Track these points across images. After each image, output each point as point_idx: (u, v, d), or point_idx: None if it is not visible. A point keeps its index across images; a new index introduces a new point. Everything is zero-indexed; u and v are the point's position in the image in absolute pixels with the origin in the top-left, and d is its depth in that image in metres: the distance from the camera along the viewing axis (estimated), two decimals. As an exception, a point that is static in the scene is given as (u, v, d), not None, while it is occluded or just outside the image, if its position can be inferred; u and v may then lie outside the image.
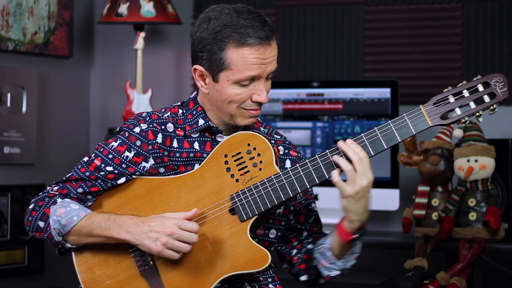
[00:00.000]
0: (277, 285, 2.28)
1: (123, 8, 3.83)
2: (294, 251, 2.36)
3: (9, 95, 3.64)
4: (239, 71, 2.14)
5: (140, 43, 3.86)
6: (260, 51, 2.14)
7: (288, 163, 2.32)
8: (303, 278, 2.34)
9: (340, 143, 2.13)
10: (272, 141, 2.31)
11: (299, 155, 2.36)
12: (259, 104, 2.19)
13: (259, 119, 2.35)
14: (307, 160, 2.16)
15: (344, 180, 2.13)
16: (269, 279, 2.28)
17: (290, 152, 2.35)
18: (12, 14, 3.65)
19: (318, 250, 2.28)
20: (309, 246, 2.34)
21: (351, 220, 2.16)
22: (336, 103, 3.63)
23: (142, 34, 3.87)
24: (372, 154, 2.14)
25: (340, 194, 2.14)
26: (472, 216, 3.20)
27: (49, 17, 3.86)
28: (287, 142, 2.37)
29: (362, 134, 2.15)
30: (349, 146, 2.12)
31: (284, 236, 2.36)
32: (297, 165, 2.16)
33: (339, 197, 2.14)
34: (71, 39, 4.00)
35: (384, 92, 3.56)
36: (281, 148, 2.34)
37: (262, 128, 2.34)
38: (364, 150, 2.13)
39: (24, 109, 3.72)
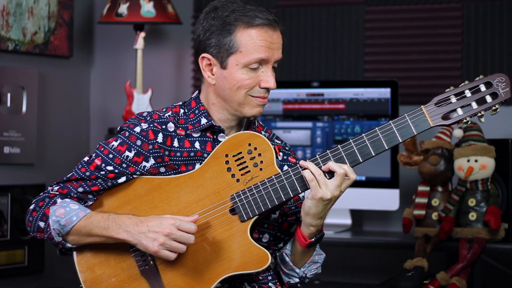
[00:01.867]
0: (277, 283, 2.28)
1: (123, 8, 3.83)
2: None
3: (9, 95, 3.64)
4: (248, 53, 2.16)
5: (140, 43, 3.86)
6: (269, 33, 2.17)
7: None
8: None
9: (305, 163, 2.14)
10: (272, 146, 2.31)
11: (297, 161, 2.36)
12: (267, 90, 2.21)
13: (261, 123, 2.36)
14: (308, 160, 2.16)
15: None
16: (269, 277, 2.27)
17: (289, 158, 2.35)
18: (12, 14, 3.65)
19: (279, 256, 2.29)
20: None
21: (308, 224, 2.18)
22: (337, 103, 3.62)
23: (142, 34, 3.86)
24: (373, 154, 2.14)
25: (309, 194, 2.14)
26: (472, 216, 3.20)
27: (49, 17, 3.86)
28: (287, 148, 2.38)
29: (363, 134, 2.15)
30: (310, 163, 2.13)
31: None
32: (298, 165, 2.16)
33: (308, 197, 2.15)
34: (71, 39, 4.00)
35: (384, 92, 3.56)
36: (280, 154, 2.34)
37: (263, 132, 2.34)
38: (365, 151, 2.13)
39: (24, 109, 3.72)
